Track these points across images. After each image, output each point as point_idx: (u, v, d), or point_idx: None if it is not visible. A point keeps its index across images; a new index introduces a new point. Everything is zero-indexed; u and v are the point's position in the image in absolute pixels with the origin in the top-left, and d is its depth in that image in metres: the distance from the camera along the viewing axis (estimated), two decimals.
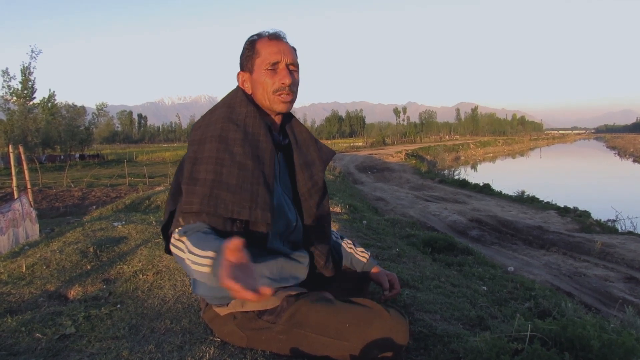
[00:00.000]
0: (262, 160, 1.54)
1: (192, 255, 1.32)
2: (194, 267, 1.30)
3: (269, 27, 1.68)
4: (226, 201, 1.44)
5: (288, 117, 1.77)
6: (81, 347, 1.86)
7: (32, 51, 31.72)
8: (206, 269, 1.27)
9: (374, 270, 1.95)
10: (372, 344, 1.46)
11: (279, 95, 1.62)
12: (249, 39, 1.68)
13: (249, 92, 1.67)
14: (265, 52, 1.61)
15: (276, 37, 1.64)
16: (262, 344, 1.65)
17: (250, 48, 1.65)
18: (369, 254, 1.98)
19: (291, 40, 1.69)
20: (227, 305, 1.65)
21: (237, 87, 1.70)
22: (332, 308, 1.54)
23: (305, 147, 1.75)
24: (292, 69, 1.64)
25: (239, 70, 1.71)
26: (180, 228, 1.46)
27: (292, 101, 1.66)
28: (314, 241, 1.74)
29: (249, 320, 1.63)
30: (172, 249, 1.45)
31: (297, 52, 1.69)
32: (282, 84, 1.61)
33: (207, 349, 1.75)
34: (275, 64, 1.61)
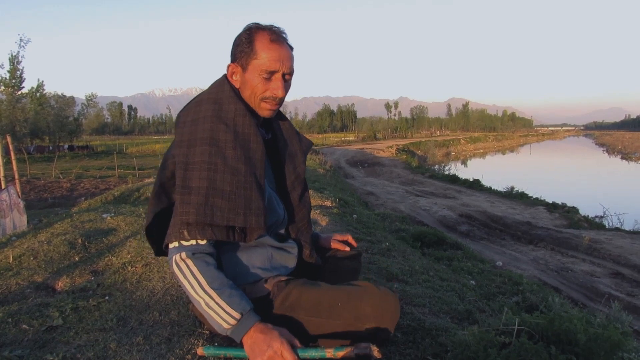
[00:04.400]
0: (253, 163, 1.50)
1: (209, 299, 1.40)
2: (208, 310, 1.41)
3: (269, 21, 1.62)
4: (222, 209, 1.42)
5: None
6: (68, 339, 1.85)
7: (21, 40, 31.18)
8: (226, 325, 1.40)
9: (324, 240, 1.97)
10: (364, 319, 1.45)
11: (267, 102, 1.57)
12: (246, 28, 1.57)
13: (237, 86, 1.60)
14: (264, 56, 1.52)
15: (278, 40, 1.54)
16: None
17: (248, 44, 1.54)
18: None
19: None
20: None
21: (224, 78, 1.62)
22: (322, 289, 1.54)
23: (289, 139, 1.74)
24: (287, 78, 1.58)
25: (230, 59, 1.62)
26: (185, 244, 1.45)
27: (278, 109, 1.63)
28: (298, 231, 1.74)
29: None
30: (176, 269, 1.45)
31: (294, 51, 1.62)
32: (274, 94, 1.55)
33: (196, 341, 1.75)
34: (272, 72, 1.54)
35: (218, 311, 1.40)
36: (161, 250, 1.71)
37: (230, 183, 1.44)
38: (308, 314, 1.52)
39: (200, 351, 1.62)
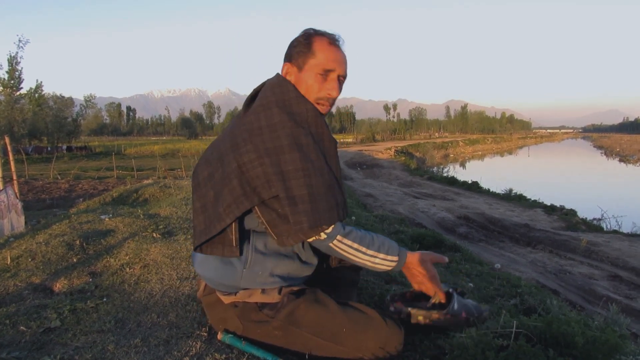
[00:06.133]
0: (329, 160, 1.57)
1: (373, 259, 1.63)
2: (376, 266, 1.64)
3: (327, 28, 1.64)
4: (324, 210, 1.51)
5: None
6: (66, 341, 1.85)
7: (20, 40, 31.17)
8: (389, 268, 1.66)
9: None
10: (365, 351, 1.49)
11: (320, 104, 1.61)
12: (305, 32, 1.63)
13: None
14: (322, 55, 1.58)
15: (336, 43, 1.62)
16: (257, 337, 1.66)
17: (307, 45, 1.60)
18: None
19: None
20: (235, 294, 1.66)
21: (282, 78, 1.64)
22: (330, 310, 1.57)
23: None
24: (342, 80, 1.64)
25: (284, 60, 1.67)
26: (330, 231, 1.56)
27: (329, 111, 1.67)
28: None
29: (249, 311, 1.65)
30: (338, 250, 1.60)
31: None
32: (329, 94, 1.60)
33: (194, 343, 1.75)
34: (329, 71, 1.59)
35: (383, 263, 1.63)
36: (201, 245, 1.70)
37: (323, 185, 1.52)
38: (310, 332, 1.56)
39: (219, 335, 1.70)
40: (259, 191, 1.53)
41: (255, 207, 1.59)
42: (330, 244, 1.58)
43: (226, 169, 1.58)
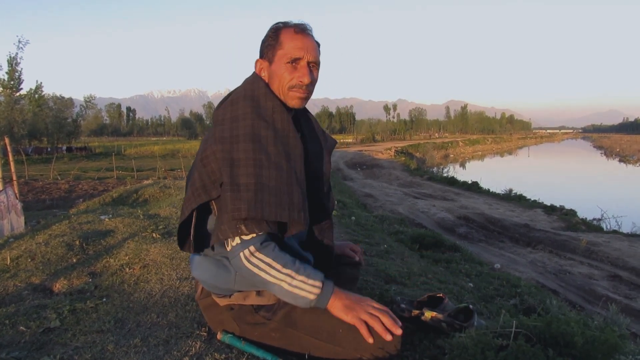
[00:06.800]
0: (293, 159, 1.53)
1: (290, 279, 1.46)
2: (292, 289, 1.46)
3: (296, 19, 1.63)
4: (270, 204, 1.45)
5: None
6: (66, 341, 1.85)
7: (19, 41, 31.04)
8: (312, 296, 1.47)
9: (337, 247, 2.00)
10: (363, 351, 1.47)
11: (294, 91, 1.59)
12: (273, 26, 1.62)
13: (266, 81, 1.63)
14: (288, 45, 1.57)
15: (302, 31, 1.59)
16: (254, 339, 1.65)
17: (274, 37, 1.59)
18: None
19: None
20: (230, 297, 1.66)
21: (256, 75, 1.64)
22: (327, 311, 1.54)
23: (316, 137, 1.75)
24: (313, 66, 1.61)
25: (258, 56, 1.66)
26: (247, 239, 1.48)
27: (307, 98, 1.63)
28: (319, 233, 1.75)
29: (245, 314, 1.64)
30: (247, 264, 1.48)
31: (320, 48, 1.65)
32: (300, 82, 1.57)
33: (194, 343, 1.75)
34: (297, 60, 1.57)
35: (302, 286, 1.46)
36: (183, 244, 1.72)
37: (275, 179, 1.47)
38: (308, 333, 1.54)
39: (219, 335, 1.69)
40: (218, 185, 1.52)
41: (213, 202, 1.58)
42: (240, 254, 1.48)
43: (200, 163, 1.60)
